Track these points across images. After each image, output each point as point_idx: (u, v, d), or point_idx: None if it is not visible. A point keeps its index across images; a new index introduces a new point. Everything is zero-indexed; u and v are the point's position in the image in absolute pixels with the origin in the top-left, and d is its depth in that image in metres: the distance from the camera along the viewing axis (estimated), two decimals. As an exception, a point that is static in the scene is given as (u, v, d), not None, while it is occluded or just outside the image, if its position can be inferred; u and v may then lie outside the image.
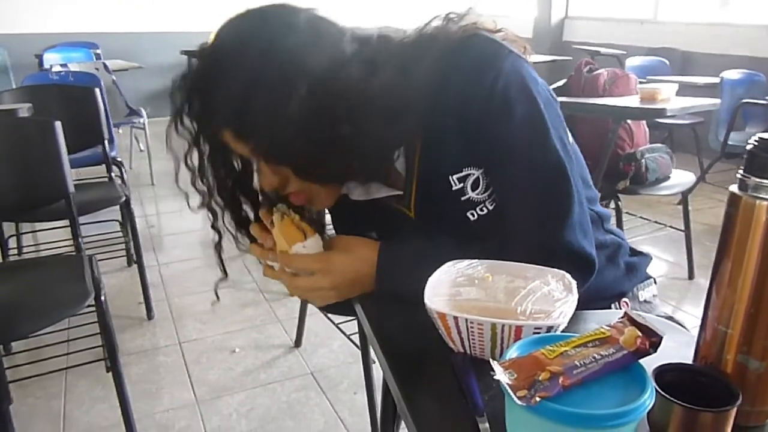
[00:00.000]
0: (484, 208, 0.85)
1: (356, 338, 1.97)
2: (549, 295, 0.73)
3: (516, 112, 0.79)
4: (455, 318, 0.67)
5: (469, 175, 0.85)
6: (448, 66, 0.80)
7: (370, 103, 0.77)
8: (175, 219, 3.73)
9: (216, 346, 2.31)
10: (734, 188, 0.56)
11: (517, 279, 0.77)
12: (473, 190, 0.85)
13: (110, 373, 1.64)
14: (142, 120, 4.14)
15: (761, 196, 0.53)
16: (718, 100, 2.99)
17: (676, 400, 0.52)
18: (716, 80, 3.73)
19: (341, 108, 0.76)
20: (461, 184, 0.85)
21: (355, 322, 1.89)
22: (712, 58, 4.85)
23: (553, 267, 0.75)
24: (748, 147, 0.55)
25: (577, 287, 0.71)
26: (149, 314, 2.51)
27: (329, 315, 2.13)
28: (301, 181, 0.85)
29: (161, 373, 2.15)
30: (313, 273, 0.84)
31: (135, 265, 2.68)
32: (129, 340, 2.33)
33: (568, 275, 0.73)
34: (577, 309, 0.68)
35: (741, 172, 0.55)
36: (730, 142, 3.61)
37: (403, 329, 0.79)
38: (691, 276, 2.88)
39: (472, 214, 0.86)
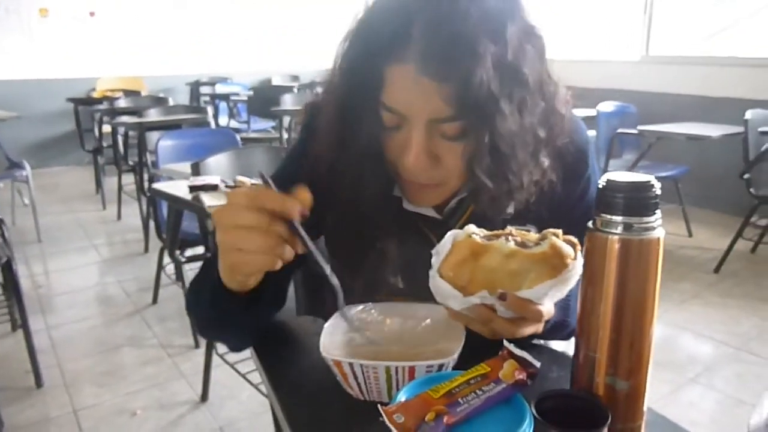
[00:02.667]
0: None
1: (264, 388, 1.92)
2: (438, 332, 0.76)
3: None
4: (350, 364, 0.68)
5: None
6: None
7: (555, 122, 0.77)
8: (66, 276, 3.50)
9: (115, 410, 2.17)
10: (590, 224, 0.62)
11: (409, 319, 0.80)
12: None
13: (-8, 453, 1.50)
14: (24, 173, 3.89)
15: (611, 231, 0.59)
16: (593, 133, 3.24)
17: (551, 426, 0.55)
18: (593, 112, 4.04)
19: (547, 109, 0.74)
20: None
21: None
22: (589, 92, 5.26)
23: None
24: (599, 187, 0.61)
25: None
26: (38, 382, 2.32)
27: (236, 366, 2.07)
28: (449, 167, 0.74)
29: (53, 445, 1.99)
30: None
31: (20, 330, 2.48)
32: (16, 413, 2.14)
33: None
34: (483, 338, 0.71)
35: (594, 209, 0.61)
36: (609, 169, 3.91)
37: (301, 376, 0.79)
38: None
39: None
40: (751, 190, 3.25)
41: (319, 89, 0.86)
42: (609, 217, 0.59)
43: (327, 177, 0.80)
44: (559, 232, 0.67)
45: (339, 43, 0.75)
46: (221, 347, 2.08)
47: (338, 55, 0.76)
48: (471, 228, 0.67)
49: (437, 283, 0.68)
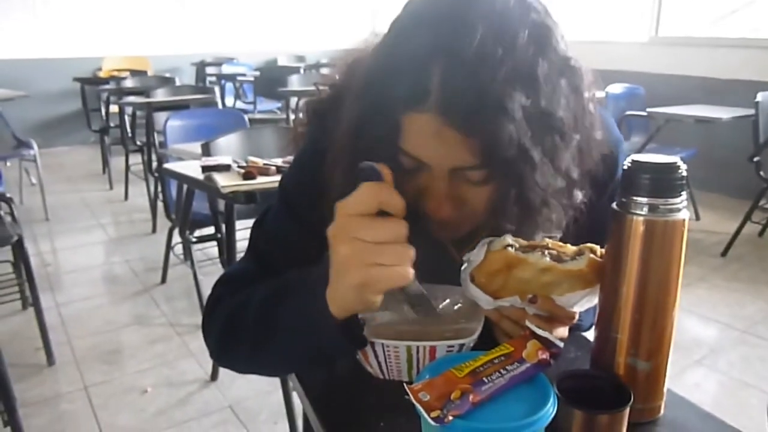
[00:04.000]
0: None
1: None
2: (459, 313, 0.76)
3: None
4: (371, 343, 0.68)
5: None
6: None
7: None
8: (74, 255, 3.52)
9: (125, 387, 2.20)
10: (614, 206, 0.62)
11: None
12: None
13: (8, 428, 1.53)
14: (32, 152, 3.90)
15: (636, 212, 0.59)
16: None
17: (575, 406, 0.56)
18: (602, 94, 4.01)
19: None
20: None
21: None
22: (597, 73, 5.21)
23: None
24: (624, 168, 0.61)
25: None
26: (49, 360, 2.34)
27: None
28: (473, 209, 0.68)
29: (65, 422, 2.01)
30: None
31: (31, 308, 2.50)
32: (28, 389, 2.17)
33: None
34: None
35: (619, 190, 0.61)
36: (617, 152, 3.89)
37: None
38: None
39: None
40: (761, 173, 3.23)
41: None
42: (635, 198, 0.59)
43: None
44: (597, 247, 0.65)
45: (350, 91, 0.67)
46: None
47: (351, 100, 0.67)
48: (507, 239, 0.65)
49: (469, 287, 0.68)
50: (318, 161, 0.72)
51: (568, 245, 0.66)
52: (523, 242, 0.66)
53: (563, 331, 0.71)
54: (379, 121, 0.62)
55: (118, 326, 2.65)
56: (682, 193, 0.59)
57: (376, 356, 0.70)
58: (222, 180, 1.54)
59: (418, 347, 0.67)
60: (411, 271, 0.58)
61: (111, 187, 4.79)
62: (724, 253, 3.36)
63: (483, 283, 0.67)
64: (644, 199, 0.58)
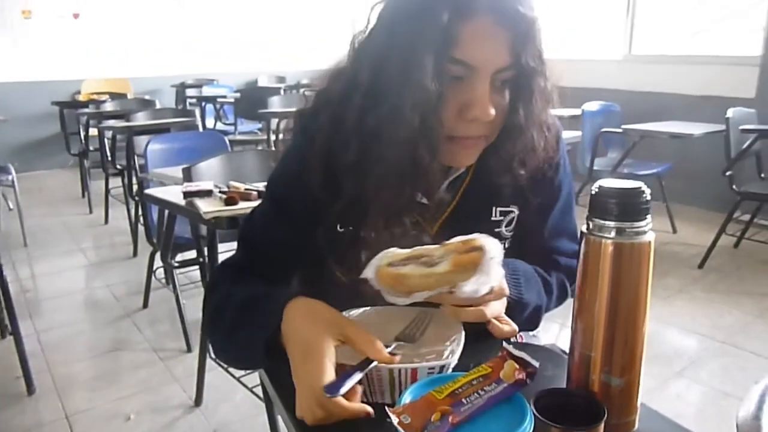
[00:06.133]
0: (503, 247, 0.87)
1: (259, 390, 1.93)
2: (438, 335, 0.78)
3: (568, 168, 0.99)
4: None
5: (511, 212, 0.92)
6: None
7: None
8: (54, 281, 3.48)
9: (108, 414, 2.17)
10: (583, 228, 0.64)
11: (408, 322, 0.82)
12: (506, 226, 0.92)
13: (-12, 460, 1.50)
14: (9, 177, 3.86)
15: (604, 235, 0.61)
16: (579, 133, 3.28)
17: (551, 423, 0.58)
18: (578, 112, 4.09)
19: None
20: (501, 218, 0.91)
21: (257, 373, 1.87)
22: (574, 91, 5.31)
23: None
24: (592, 193, 0.63)
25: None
26: (29, 389, 2.31)
27: (230, 369, 2.08)
28: (495, 120, 0.79)
29: (47, 451, 1.98)
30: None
31: (10, 336, 2.47)
32: (8, 419, 2.13)
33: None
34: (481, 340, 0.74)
35: (587, 214, 0.63)
36: (595, 168, 3.95)
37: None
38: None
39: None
40: (734, 186, 3.31)
41: (313, 93, 0.90)
42: (602, 222, 0.61)
43: (350, 170, 0.82)
44: (456, 241, 0.71)
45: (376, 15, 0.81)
46: (214, 350, 2.09)
47: (383, 25, 0.79)
48: (387, 255, 0.72)
49: (382, 292, 0.72)
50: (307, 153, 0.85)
51: (435, 248, 0.71)
52: (401, 254, 0.72)
53: (500, 305, 0.78)
54: (431, 39, 0.72)
55: (99, 352, 2.62)
56: (648, 216, 0.61)
57: (360, 379, 0.71)
58: (204, 206, 1.55)
59: (399, 369, 0.69)
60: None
61: (91, 211, 4.75)
62: (701, 265, 3.43)
63: (391, 290, 0.71)
64: (612, 223, 0.61)
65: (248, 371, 1.96)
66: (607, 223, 0.61)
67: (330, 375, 0.65)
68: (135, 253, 3.76)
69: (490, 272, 0.68)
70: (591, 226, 0.63)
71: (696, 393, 2.29)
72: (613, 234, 0.61)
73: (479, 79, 0.75)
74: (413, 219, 0.86)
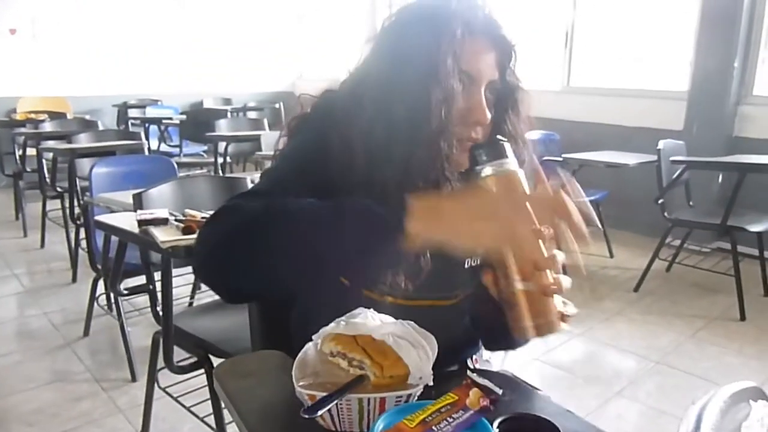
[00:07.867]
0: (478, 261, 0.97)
1: (210, 420, 1.90)
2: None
3: None
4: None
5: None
6: None
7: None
8: (-15, 309, 3.32)
9: (47, 449, 2.08)
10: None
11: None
12: None
13: None
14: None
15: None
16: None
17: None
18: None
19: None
20: None
21: (209, 402, 1.84)
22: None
23: None
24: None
25: None
26: (-39, 424, 2.19)
27: (179, 399, 2.04)
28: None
29: (-20, 491, 1.88)
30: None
31: (-61, 369, 2.34)
32: (-65, 458, 2.02)
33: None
34: (440, 367, 0.77)
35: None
36: (537, 194, 4.10)
37: (266, 406, 0.82)
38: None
39: (469, 261, 0.97)
40: (665, 213, 3.50)
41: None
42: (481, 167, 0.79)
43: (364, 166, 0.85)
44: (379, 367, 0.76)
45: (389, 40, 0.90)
46: (162, 379, 2.04)
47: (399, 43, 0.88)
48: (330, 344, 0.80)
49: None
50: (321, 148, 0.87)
51: (365, 356, 0.77)
52: (344, 340, 0.78)
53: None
54: (449, 48, 0.84)
55: (38, 384, 2.51)
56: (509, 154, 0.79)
57: (329, 409, 0.73)
58: (161, 235, 1.53)
59: (369, 399, 0.72)
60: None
61: (25, 235, 4.56)
62: (636, 288, 3.60)
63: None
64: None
65: (199, 401, 1.92)
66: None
67: None
68: (74, 279, 3.63)
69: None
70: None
71: (635, 412, 2.39)
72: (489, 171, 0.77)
73: (477, 88, 0.88)
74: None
